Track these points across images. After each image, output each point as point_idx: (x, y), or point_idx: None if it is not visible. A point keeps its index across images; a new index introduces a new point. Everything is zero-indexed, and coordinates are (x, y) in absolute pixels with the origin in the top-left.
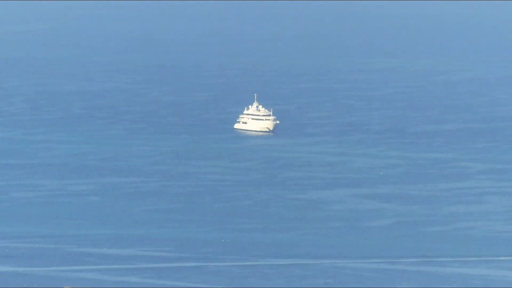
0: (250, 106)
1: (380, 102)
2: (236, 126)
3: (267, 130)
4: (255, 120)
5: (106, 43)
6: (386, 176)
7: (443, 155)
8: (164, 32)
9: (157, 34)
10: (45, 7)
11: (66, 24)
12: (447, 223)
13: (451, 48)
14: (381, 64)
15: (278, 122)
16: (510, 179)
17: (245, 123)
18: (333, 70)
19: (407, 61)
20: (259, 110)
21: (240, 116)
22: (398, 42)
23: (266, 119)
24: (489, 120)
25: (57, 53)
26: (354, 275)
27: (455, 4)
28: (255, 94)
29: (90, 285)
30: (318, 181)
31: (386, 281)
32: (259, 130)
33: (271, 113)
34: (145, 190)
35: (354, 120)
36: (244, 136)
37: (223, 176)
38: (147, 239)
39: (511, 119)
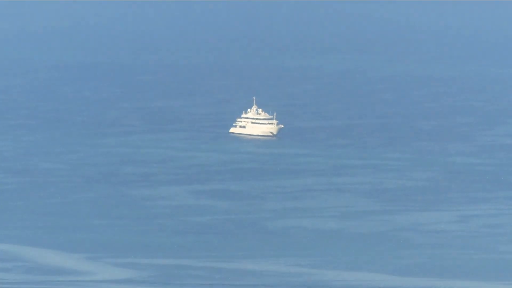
0: (249, 110)
1: (282, 99)
2: (232, 130)
3: (271, 134)
4: (255, 124)
5: (31, 40)
6: (222, 171)
7: (290, 151)
8: (102, 29)
9: (93, 31)
10: None
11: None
12: (268, 220)
13: (387, 47)
14: (308, 61)
15: (282, 126)
16: (347, 176)
17: (243, 127)
18: (262, 68)
19: (336, 59)
20: (259, 114)
21: (237, 119)
22: (335, 40)
23: (269, 123)
24: (376, 117)
25: None
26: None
27: (399, 4)
28: (254, 97)
29: None
30: (156, 178)
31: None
32: (260, 134)
33: (273, 117)
34: None
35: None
36: (107, 133)
37: (62, 171)
38: None
39: (397, 115)
